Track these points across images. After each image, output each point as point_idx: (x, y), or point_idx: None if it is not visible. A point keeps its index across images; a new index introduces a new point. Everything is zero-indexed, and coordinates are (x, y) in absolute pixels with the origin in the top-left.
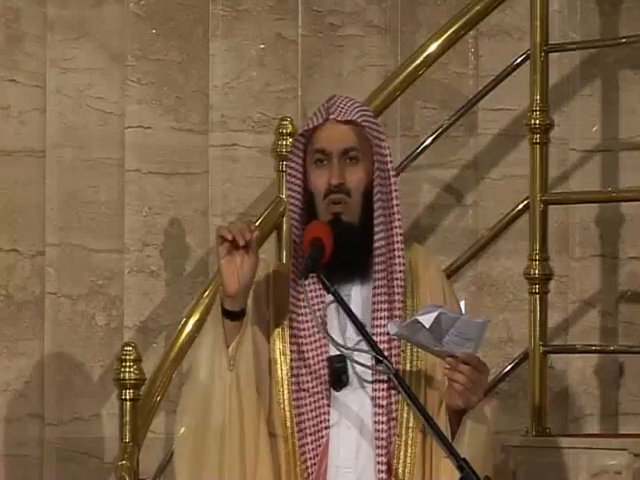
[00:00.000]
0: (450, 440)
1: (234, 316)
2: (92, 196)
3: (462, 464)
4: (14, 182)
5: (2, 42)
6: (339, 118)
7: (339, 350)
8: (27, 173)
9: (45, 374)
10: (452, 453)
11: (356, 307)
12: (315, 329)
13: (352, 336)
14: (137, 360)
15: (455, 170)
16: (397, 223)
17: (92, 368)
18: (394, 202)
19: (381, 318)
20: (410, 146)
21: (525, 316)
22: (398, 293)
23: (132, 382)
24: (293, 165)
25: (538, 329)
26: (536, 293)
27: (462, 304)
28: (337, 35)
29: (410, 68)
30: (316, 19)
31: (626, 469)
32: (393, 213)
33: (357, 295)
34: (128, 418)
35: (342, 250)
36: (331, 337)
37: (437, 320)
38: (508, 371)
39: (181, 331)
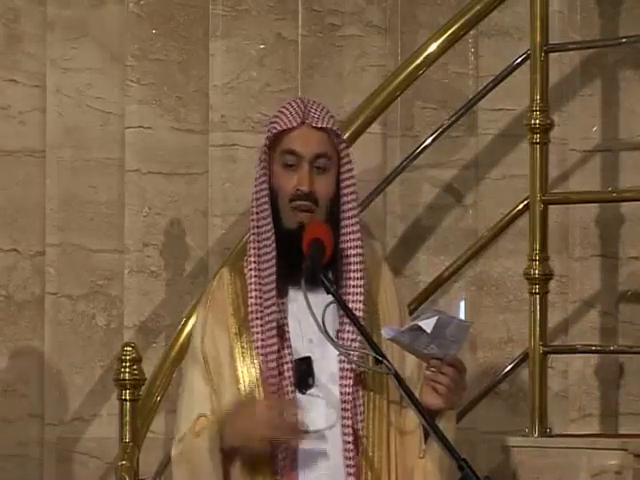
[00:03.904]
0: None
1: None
2: (92, 196)
3: (462, 464)
4: (14, 182)
5: (2, 42)
6: (316, 124)
7: (340, 351)
8: (27, 173)
9: (45, 374)
10: (452, 454)
11: (318, 310)
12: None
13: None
14: (137, 360)
15: (455, 170)
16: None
17: (92, 368)
18: (357, 210)
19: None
20: (410, 146)
21: (525, 316)
22: (363, 297)
23: (132, 382)
24: (265, 164)
25: (538, 329)
26: (536, 293)
27: (462, 304)
28: (337, 35)
29: (410, 68)
30: (316, 19)
31: (626, 469)
32: (358, 220)
33: (319, 299)
34: (128, 418)
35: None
36: (332, 338)
37: (437, 325)
38: (508, 371)
39: (181, 331)
